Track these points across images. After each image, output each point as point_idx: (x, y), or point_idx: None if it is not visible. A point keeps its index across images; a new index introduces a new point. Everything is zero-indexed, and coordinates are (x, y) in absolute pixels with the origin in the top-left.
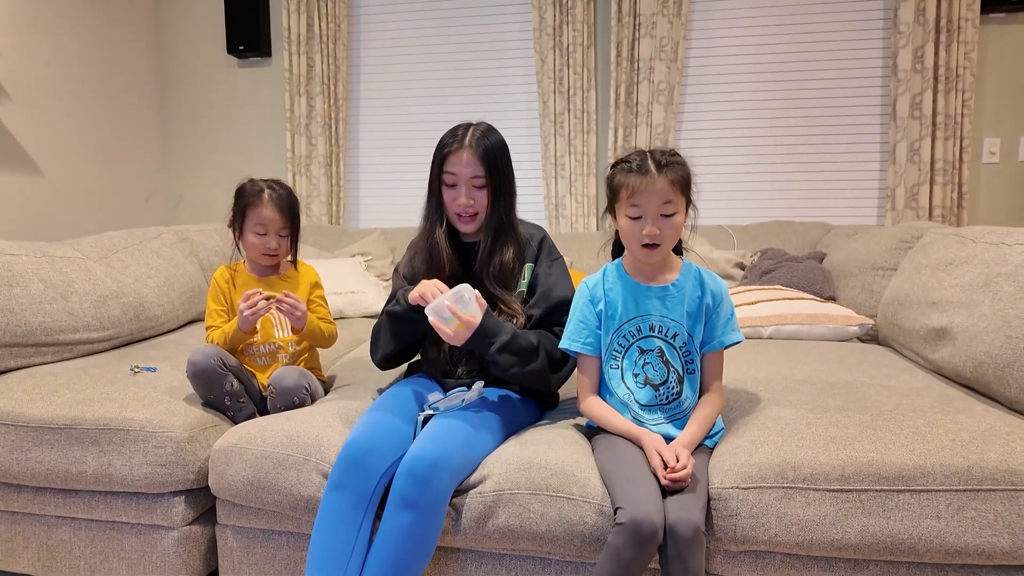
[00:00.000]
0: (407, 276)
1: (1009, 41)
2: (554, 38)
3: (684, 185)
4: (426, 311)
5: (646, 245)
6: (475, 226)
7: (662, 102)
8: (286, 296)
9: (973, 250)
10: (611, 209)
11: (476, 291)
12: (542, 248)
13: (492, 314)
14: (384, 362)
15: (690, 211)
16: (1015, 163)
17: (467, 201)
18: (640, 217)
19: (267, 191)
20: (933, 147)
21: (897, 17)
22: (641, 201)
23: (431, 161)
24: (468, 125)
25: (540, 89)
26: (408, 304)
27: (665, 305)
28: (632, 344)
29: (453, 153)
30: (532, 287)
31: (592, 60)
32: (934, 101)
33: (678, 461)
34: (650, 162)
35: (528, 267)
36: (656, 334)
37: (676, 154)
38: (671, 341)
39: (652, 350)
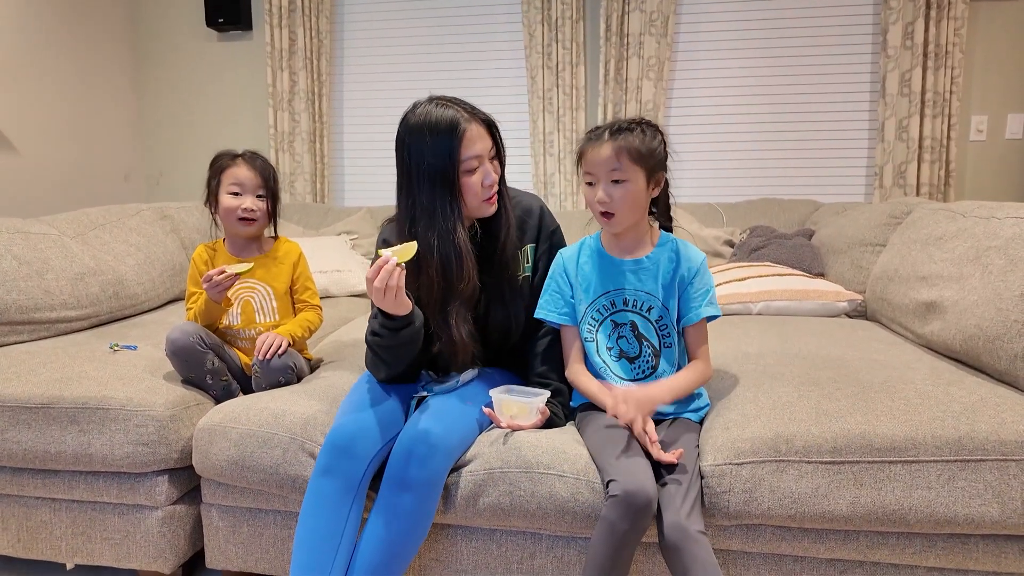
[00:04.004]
0: (414, 294)
1: (998, 18)
2: (542, 11)
3: (637, 155)
4: (493, 405)
5: (602, 213)
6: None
7: (652, 78)
8: (260, 350)
9: (963, 224)
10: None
11: (544, 407)
12: (543, 226)
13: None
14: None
15: (664, 185)
16: (1002, 141)
17: (495, 176)
18: (593, 184)
19: (242, 154)
20: (921, 124)
21: None
22: (591, 168)
23: (418, 152)
24: (441, 100)
25: (528, 64)
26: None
27: (639, 279)
28: (606, 318)
29: (467, 132)
30: (534, 269)
31: (581, 34)
32: (923, 78)
33: (624, 405)
34: (606, 129)
35: (530, 248)
36: (630, 308)
37: (646, 125)
38: (646, 315)
39: (625, 324)
